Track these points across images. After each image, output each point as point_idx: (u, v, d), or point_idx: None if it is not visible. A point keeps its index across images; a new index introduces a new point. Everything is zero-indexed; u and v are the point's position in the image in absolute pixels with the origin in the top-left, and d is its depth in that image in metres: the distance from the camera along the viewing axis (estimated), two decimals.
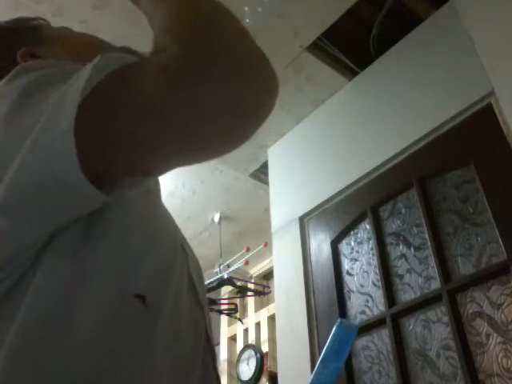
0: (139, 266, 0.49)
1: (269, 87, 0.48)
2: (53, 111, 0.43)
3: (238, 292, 3.69)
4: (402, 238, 1.88)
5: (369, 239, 2.00)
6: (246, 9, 1.99)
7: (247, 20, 2.01)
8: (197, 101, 0.43)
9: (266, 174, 2.77)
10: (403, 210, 1.92)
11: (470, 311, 1.57)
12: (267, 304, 3.64)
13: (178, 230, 0.63)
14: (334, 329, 0.69)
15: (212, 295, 3.48)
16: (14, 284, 0.44)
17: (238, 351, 3.64)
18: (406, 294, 1.78)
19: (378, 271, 1.89)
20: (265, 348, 3.44)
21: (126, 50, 0.65)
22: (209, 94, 0.43)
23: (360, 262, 2.01)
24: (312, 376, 0.66)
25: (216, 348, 3.43)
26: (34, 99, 0.47)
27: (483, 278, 1.57)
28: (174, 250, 0.57)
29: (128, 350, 0.44)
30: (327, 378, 0.67)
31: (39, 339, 0.41)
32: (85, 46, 0.77)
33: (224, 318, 3.88)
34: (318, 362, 0.68)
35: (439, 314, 1.65)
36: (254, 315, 3.73)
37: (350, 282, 2.01)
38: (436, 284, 1.68)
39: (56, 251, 0.45)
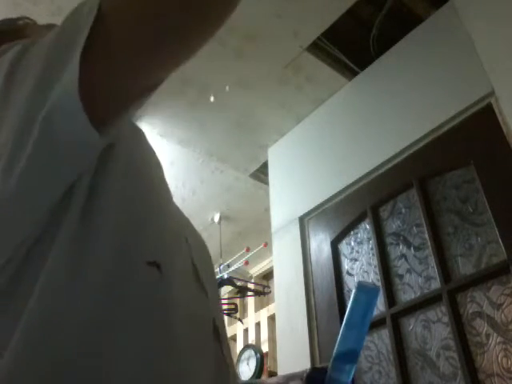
0: (144, 233, 0.49)
1: None
2: (53, 55, 0.46)
3: (237, 292, 3.69)
4: (401, 238, 1.88)
5: (369, 239, 2.00)
6: None
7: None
8: None
9: (266, 174, 2.77)
10: (403, 210, 1.92)
11: (470, 311, 1.57)
12: (267, 304, 3.64)
13: (180, 213, 0.63)
14: (353, 292, 0.67)
15: None
16: (22, 262, 0.44)
17: (237, 351, 3.63)
18: (406, 294, 1.78)
19: (378, 271, 1.89)
20: (265, 348, 3.44)
21: None
22: None
23: (360, 262, 2.00)
24: (337, 342, 0.65)
25: None
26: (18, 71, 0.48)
27: (483, 278, 1.57)
28: (178, 225, 0.58)
29: (142, 316, 0.44)
30: (353, 342, 0.65)
31: (53, 312, 0.41)
32: None
33: (224, 318, 3.87)
34: (342, 326, 0.66)
35: (439, 313, 1.65)
36: (254, 315, 3.73)
37: (350, 282, 2.01)
38: (436, 284, 1.68)
39: (60, 228, 0.45)
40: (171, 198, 0.61)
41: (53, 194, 0.45)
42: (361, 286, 0.68)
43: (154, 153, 0.61)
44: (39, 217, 0.45)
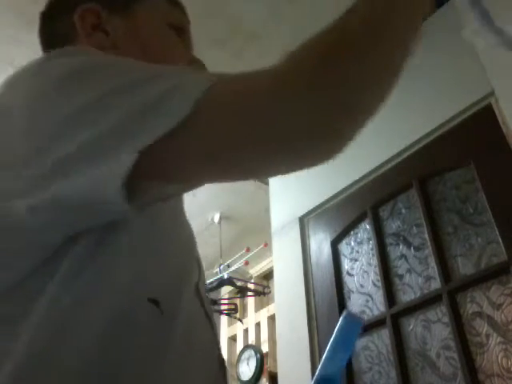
0: (153, 273, 0.48)
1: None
2: (129, 122, 0.40)
3: (238, 292, 3.69)
4: (401, 238, 1.88)
5: (369, 239, 2.00)
6: None
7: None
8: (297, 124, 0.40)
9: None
10: (403, 210, 1.92)
11: (470, 311, 1.57)
12: (267, 304, 3.64)
13: (194, 242, 0.62)
14: (340, 320, 0.69)
15: (212, 295, 3.48)
16: (28, 277, 0.43)
17: (237, 351, 3.64)
18: (406, 295, 1.78)
19: (378, 271, 1.89)
20: (265, 348, 3.44)
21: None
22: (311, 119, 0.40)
23: (360, 262, 2.00)
24: (319, 366, 0.67)
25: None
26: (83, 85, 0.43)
27: (483, 278, 1.57)
28: (189, 262, 0.57)
29: (139, 355, 0.44)
30: (333, 368, 0.67)
31: (51, 338, 0.41)
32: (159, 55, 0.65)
33: (224, 318, 3.87)
34: (325, 352, 0.68)
35: (439, 314, 1.65)
36: (254, 315, 3.72)
37: (350, 282, 2.01)
38: (436, 284, 1.68)
39: (73, 255, 0.44)
40: (183, 227, 0.60)
41: (65, 234, 0.44)
42: (346, 316, 0.70)
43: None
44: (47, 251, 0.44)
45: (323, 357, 0.68)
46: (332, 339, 0.68)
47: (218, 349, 0.57)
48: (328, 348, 0.68)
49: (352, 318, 0.70)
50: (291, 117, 0.40)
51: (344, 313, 0.70)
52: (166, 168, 0.41)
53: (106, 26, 0.63)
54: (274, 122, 0.40)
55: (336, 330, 0.69)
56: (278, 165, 0.44)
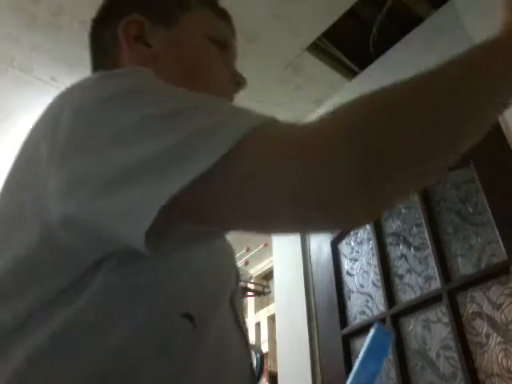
0: (189, 292, 0.48)
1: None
2: (165, 160, 0.37)
3: None
4: (401, 238, 1.88)
5: (369, 239, 2.00)
6: None
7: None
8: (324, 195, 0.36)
9: None
10: (403, 210, 1.92)
11: (470, 311, 1.57)
12: (267, 304, 3.64)
13: (233, 254, 0.62)
14: (370, 332, 0.70)
15: None
16: (67, 287, 0.43)
17: None
18: (406, 294, 1.78)
19: (377, 271, 1.89)
20: (265, 348, 3.44)
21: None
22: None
23: (360, 262, 2.00)
24: (351, 377, 0.67)
25: None
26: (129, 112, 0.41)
27: (483, 277, 1.57)
28: (227, 276, 0.56)
29: (171, 368, 0.44)
30: (365, 379, 0.67)
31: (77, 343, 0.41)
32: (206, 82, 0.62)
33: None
34: (357, 363, 0.68)
35: (439, 313, 1.65)
36: (254, 315, 3.72)
37: (350, 282, 2.01)
38: (436, 284, 1.68)
39: (108, 268, 0.44)
40: (224, 240, 0.59)
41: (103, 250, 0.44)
42: (378, 327, 0.70)
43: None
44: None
45: (353, 369, 0.68)
46: (362, 351, 0.68)
47: (250, 360, 0.57)
48: (358, 360, 0.68)
49: (382, 330, 0.70)
50: (340, 186, 0.35)
51: (375, 325, 0.70)
52: (195, 212, 0.39)
53: (149, 37, 0.63)
54: (320, 187, 0.35)
55: (366, 342, 0.69)
56: (311, 229, 0.42)
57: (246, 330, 0.59)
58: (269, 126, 0.38)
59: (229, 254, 0.62)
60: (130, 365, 0.42)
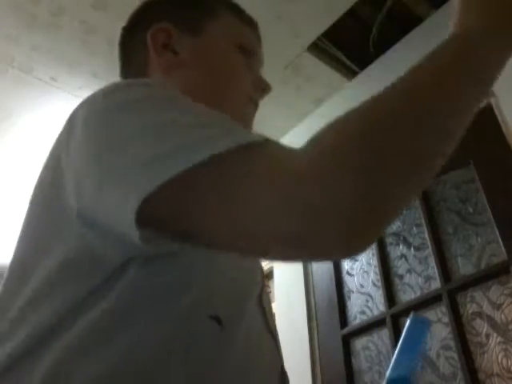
0: (215, 294, 0.49)
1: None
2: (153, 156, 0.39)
3: None
4: (401, 238, 1.88)
5: None
6: None
7: None
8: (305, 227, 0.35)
9: None
10: (403, 210, 1.92)
11: (470, 311, 1.57)
12: None
13: (257, 262, 0.62)
14: (407, 322, 0.70)
15: None
16: (99, 286, 0.44)
17: None
18: (406, 294, 1.78)
19: (378, 271, 1.89)
20: None
21: None
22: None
23: (360, 262, 2.01)
24: (390, 367, 0.67)
25: None
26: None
27: (483, 277, 1.57)
28: (253, 276, 0.57)
29: (199, 369, 0.44)
30: (403, 370, 0.67)
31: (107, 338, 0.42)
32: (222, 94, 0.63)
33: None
34: (395, 354, 0.69)
35: (439, 314, 1.65)
36: None
37: (350, 282, 2.01)
38: (436, 284, 1.68)
39: (134, 268, 0.44)
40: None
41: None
42: (414, 317, 0.70)
43: None
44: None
45: (392, 359, 0.68)
46: (400, 341, 0.69)
47: (281, 360, 0.57)
48: (397, 350, 0.69)
49: (419, 319, 0.71)
50: (325, 211, 0.34)
51: (411, 315, 0.71)
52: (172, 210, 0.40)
53: (176, 45, 0.65)
54: (320, 213, 0.34)
55: (404, 332, 0.69)
56: (292, 257, 0.41)
57: (276, 333, 0.58)
58: (261, 145, 0.39)
59: None
60: (156, 365, 0.42)
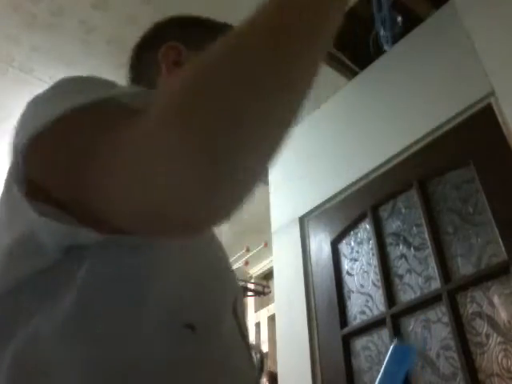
0: (187, 299, 0.49)
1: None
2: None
3: None
4: (401, 238, 1.88)
5: (369, 239, 2.00)
6: None
7: None
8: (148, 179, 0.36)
9: (266, 174, 2.76)
10: (403, 210, 1.92)
11: (470, 311, 1.57)
12: (267, 304, 3.64)
13: (227, 259, 0.62)
14: (390, 350, 0.69)
15: None
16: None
17: None
18: (406, 294, 1.78)
19: (377, 271, 1.89)
20: (265, 348, 3.44)
21: None
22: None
23: (360, 262, 2.00)
24: None
25: None
26: None
27: (483, 277, 1.57)
28: (224, 282, 0.57)
29: (173, 375, 0.44)
30: None
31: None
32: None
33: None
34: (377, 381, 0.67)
35: (439, 314, 1.65)
36: (254, 315, 3.72)
37: (350, 282, 2.01)
38: (436, 284, 1.68)
39: (91, 255, 0.45)
40: (214, 246, 0.60)
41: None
42: (395, 346, 0.69)
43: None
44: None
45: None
46: (382, 370, 0.68)
47: (254, 368, 0.57)
48: (378, 380, 0.67)
49: (399, 349, 0.69)
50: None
51: (394, 342, 0.70)
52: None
53: (186, 62, 0.69)
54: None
55: (386, 360, 0.68)
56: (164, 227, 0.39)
57: (248, 338, 0.59)
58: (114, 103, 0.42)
59: (224, 259, 0.62)
60: (124, 358, 0.42)
